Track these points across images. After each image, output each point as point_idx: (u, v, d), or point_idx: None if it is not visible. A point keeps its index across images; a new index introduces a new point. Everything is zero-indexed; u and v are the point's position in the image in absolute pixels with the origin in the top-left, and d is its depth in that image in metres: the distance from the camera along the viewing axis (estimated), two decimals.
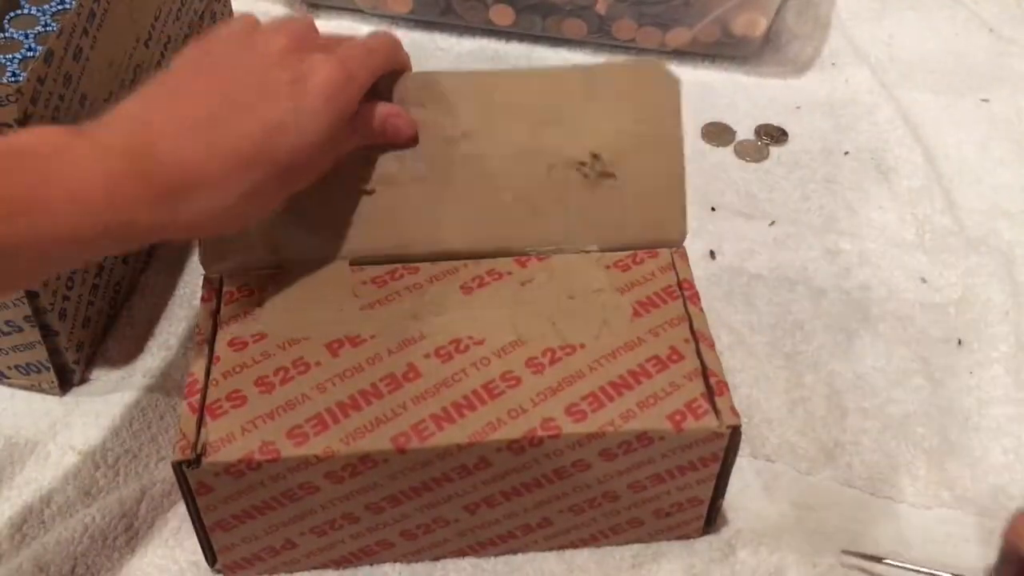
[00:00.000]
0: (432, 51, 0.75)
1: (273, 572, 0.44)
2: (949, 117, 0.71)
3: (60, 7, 0.51)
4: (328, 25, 0.77)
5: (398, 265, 0.46)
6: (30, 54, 0.49)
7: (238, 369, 0.42)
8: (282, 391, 0.41)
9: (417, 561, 0.45)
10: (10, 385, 0.52)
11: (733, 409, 0.41)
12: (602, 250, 0.48)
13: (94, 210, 0.35)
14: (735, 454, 0.43)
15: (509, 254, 0.47)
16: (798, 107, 0.71)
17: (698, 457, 0.42)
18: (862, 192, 0.65)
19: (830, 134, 0.69)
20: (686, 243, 0.49)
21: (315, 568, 0.44)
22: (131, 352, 0.55)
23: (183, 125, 0.38)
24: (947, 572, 0.45)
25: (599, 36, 0.74)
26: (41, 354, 0.50)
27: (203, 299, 0.46)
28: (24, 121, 0.43)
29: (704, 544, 0.47)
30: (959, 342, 0.57)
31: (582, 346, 0.43)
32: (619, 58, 0.75)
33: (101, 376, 0.54)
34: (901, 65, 0.75)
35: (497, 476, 0.41)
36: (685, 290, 0.46)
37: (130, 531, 0.47)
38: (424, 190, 0.47)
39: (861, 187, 0.66)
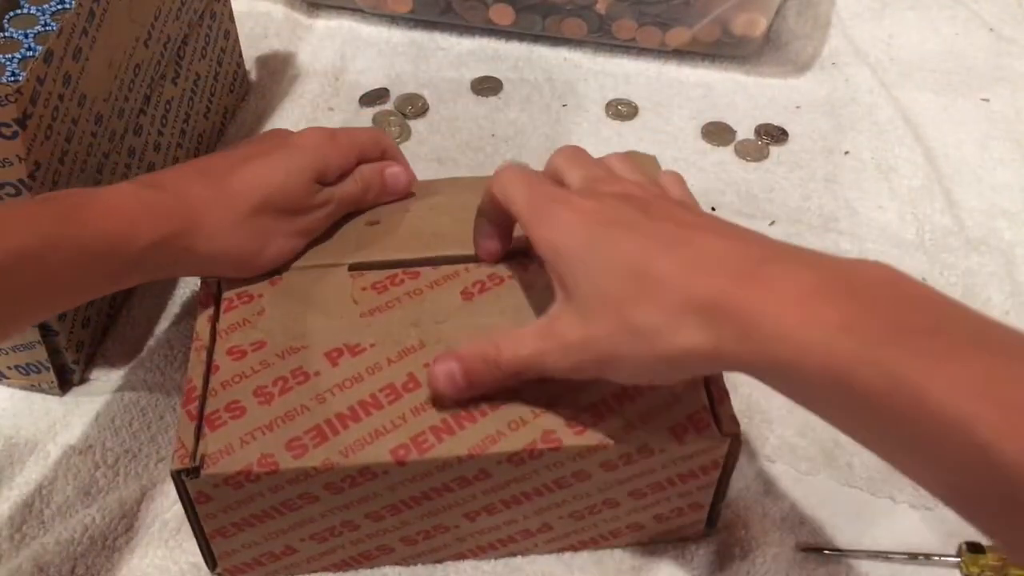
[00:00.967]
0: (432, 51, 0.75)
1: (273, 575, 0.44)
2: (949, 117, 0.71)
3: (60, 7, 0.51)
4: (329, 25, 0.77)
5: (398, 270, 0.46)
6: (30, 54, 0.49)
7: (237, 379, 0.42)
8: (281, 402, 0.41)
9: (417, 564, 0.45)
10: (10, 385, 0.52)
11: (733, 417, 0.41)
12: None
13: (129, 220, 0.41)
14: (736, 460, 0.42)
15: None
16: (798, 107, 0.71)
17: (699, 466, 0.42)
18: (862, 192, 0.65)
19: (830, 134, 0.69)
20: None
21: (315, 572, 0.44)
22: (131, 352, 0.55)
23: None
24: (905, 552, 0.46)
25: (599, 36, 0.74)
26: (41, 354, 0.50)
27: (201, 303, 0.46)
28: (23, 121, 0.43)
29: (705, 546, 0.47)
30: None
31: None
32: (621, 60, 0.75)
33: (101, 376, 0.54)
34: (901, 65, 0.75)
35: (497, 486, 0.41)
36: None
37: (130, 531, 0.47)
38: (425, 203, 0.49)
39: (861, 187, 0.66)
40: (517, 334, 0.40)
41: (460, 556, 0.45)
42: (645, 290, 0.35)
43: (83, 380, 0.53)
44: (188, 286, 0.58)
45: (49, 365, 0.51)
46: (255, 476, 0.39)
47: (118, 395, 0.52)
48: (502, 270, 0.46)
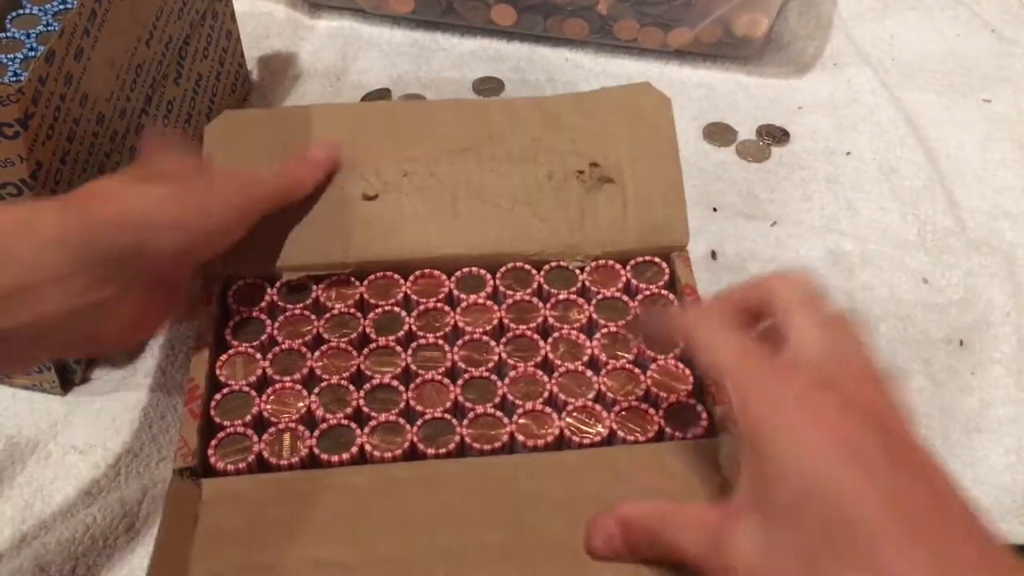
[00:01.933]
0: (434, 51, 0.75)
1: None
2: (951, 117, 0.71)
3: (62, 7, 0.51)
4: (331, 25, 0.77)
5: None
6: (32, 54, 0.49)
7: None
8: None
9: None
10: (11, 385, 0.52)
11: (731, 418, 0.40)
12: (605, 254, 0.47)
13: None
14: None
15: (511, 259, 0.47)
16: (800, 107, 0.71)
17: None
18: (863, 192, 0.65)
19: (832, 134, 0.69)
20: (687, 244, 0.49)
21: None
22: (132, 352, 0.55)
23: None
24: None
25: (601, 36, 0.74)
26: None
27: (202, 302, 0.46)
28: (25, 121, 0.43)
29: None
30: (961, 343, 0.57)
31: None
32: (623, 61, 0.75)
33: (102, 376, 0.54)
34: (903, 65, 0.75)
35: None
36: (687, 296, 0.46)
37: (131, 531, 0.47)
38: (425, 198, 0.47)
39: (863, 187, 0.66)
40: (684, 517, 0.35)
41: None
42: (855, 564, 0.29)
43: (84, 380, 0.53)
44: None
45: (51, 365, 0.51)
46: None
47: (119, 395, 0.52)
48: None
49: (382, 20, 0.77)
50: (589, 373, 0.43)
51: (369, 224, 0.47)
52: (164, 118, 0.58)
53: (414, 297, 0.46)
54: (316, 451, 0.40)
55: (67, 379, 0.52)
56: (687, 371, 0.43)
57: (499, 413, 0.42)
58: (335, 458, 0.40)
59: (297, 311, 0.45)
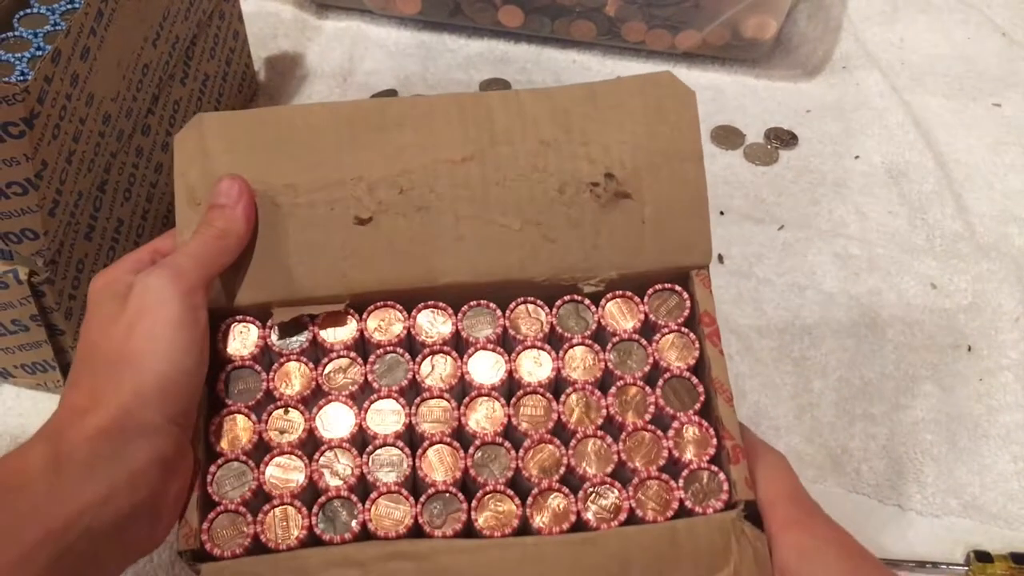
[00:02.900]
0: (441, 52, 0.75)
1: None
2: (960, 121, 0.70)
3: (69, 6, 0.51)
4: (338, 26, 0.77)
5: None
6: (39, 53, 0.49)
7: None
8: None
9: None
10: (16, 384, 0.52)
11: (747, 479, 0.38)
12: (621, 277, 0.43)
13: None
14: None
15: (520, 285, 0.43)
16: (808, 111, 0.71)
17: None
18: (872, 197, 0.65)
19: (840, 138, 0.69)
20: None
21: None
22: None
23: None
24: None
25: (608, 38, 0.74)
26: (47, 353, 0.50)
27: None
28: (30, 120, 0.43)
29: None
30: (969, 348, 0.56)
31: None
32: (630, 64, 0.75)
33: None
34: (912, 69, 0.75)
35: None
36: (705, 327, 0.41)
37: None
38: (425, 219, 0.43)
39: (871, 192, 0.65)
40: None
41: None
42: None
43: None
44: None
45: (55, 364, 0.51)
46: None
47: None
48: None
49: (389, 21, 0.77)
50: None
51: (364, 251, 0.42)
52: (170, 118, 0.58)
53: (418, 339, 0.42)
54: (316, 530, 0.38)
55: (68, 373, 0.52)
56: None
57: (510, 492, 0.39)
58: (336, 538, 0.37)
59: (293, 357, 0.42)
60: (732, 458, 0.38)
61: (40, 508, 0.32)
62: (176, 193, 0.41)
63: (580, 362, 0.42)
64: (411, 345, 0.42)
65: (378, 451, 0.39)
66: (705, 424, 0.39)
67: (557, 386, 0.42)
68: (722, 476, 0.38)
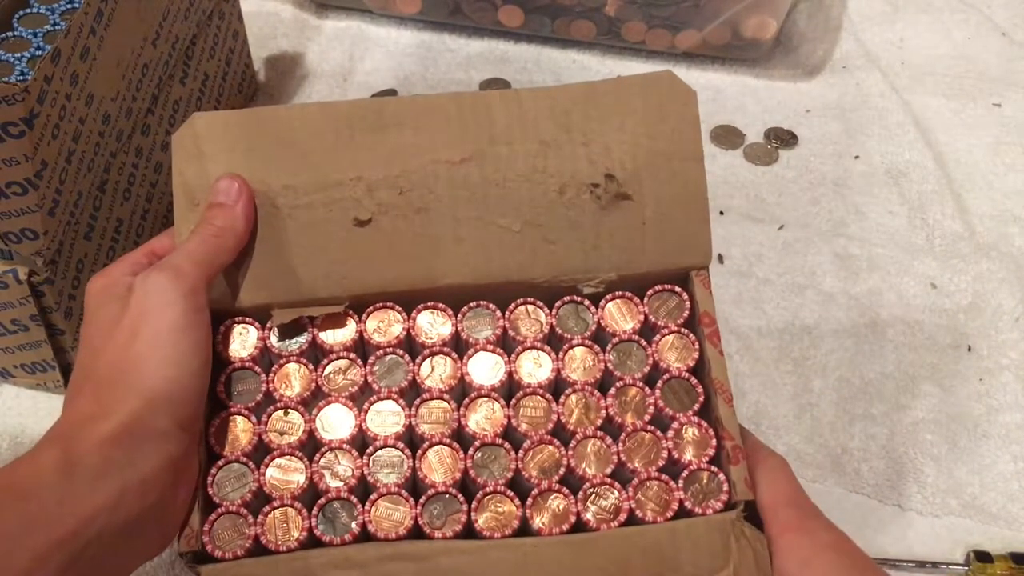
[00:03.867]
0: (441, 52, 0.75)
1: None
2: (960, 121, 0.70)
3: (69, 6, 0.51)
4: (338, 26, 0.77)
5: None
6: (38, 53, 0.49)
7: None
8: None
9: None
10: (16, 384, 0.52)
11: (747, 480, 0.38)
12: (621, 278, 0.43)
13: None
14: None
15: (519, 287, 0.43)
16: (808, 110, 0.71)
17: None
18: (872, 196, 0.65)
19: (840, 138, 0.69)
20: None
21: None
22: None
23: None
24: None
25: (608, 38, 0.74)
26: (47, 353, 0.50)
27: None
28: (30, 120, 0.43)
29: None
30: (969, 348, 0.56)
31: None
32: (630, 63, 0.75)
33: None
34: (912, 69, 0.75)
35: None
36: (705, 327, 0.41)
37: None
38: (424, 220, 0.43)
39: (871, 191, 0.65)
40: None
41: None
42: None
43: None
44: None
45: (55, 364, 0.51)
46: None
47: None
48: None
49: (389, 21, 0.77)
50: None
51: (363, 253, 0.42)
52: (170, 118, 0.58)
53: (418, 340, 0.42)
54: (316, 532, 0.38)
55: (70, 378, 0.52)
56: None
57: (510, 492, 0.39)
58: (336, 539, 0.37)
59: (292, 359, 0.41)
60: (732, 459, 0.38)
61: (51, 514, 0.32)
62: (174, 193, 0.41)
63: (580, 363, 0.42)
64: (411, 346, 0.42)
65: (378, 452, 0.39)
66: (705, 425, 0.39)
67: (557, 387, 0.42)
68: (722, 477, 0.38)
